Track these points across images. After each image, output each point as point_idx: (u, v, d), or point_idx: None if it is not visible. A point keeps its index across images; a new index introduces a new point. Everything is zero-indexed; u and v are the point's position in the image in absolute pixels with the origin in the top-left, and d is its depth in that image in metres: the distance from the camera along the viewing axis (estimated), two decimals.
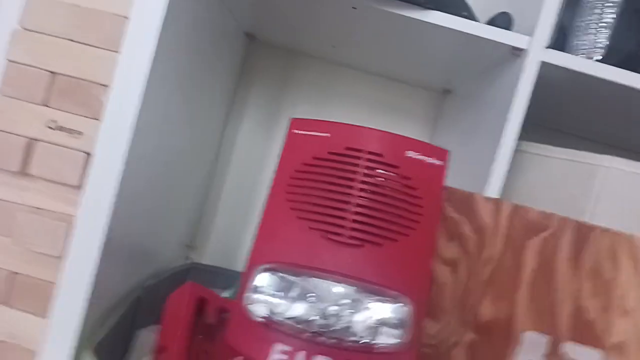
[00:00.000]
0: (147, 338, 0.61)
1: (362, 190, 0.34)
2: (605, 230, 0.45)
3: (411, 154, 0.36)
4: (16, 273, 0.63)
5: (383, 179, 0.35)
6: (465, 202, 0.44)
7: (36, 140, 0.61)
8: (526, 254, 0.44)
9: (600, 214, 0.50)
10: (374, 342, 0.31)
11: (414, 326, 0.32)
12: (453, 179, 0.47)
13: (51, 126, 0.60)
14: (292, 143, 0.36)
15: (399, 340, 0.31)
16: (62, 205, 0.61)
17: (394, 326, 0.31)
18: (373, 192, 0.34)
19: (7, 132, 0.60)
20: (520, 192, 0.55)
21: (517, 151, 0.56)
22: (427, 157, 0.36)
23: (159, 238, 0.69)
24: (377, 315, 0.32)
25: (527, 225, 0.44)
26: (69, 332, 0.49)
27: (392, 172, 0.35)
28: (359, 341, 0.31)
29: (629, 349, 0.43)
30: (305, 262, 0.33)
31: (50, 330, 0.50)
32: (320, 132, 0.36)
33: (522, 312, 0.43)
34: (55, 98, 0.60)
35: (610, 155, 0.52)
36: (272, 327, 0.32)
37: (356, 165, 0.35)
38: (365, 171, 0.34)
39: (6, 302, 0.62)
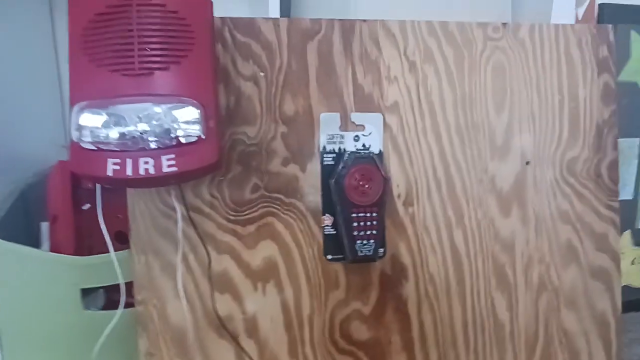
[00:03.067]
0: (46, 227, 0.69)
1: (140, 30, 0.43)
2: (365, 21, 0.57)
3: None
4: None
5: (156, 17, 0.43)
6: (249, 26, 0.54)
7: None
8: (308, 56, 0.56)
9: (361, 11, 0.62)
10: (180, 137, 0.42)
11: (207, 122, 0.43)
12: (241, 9, 0.56)
13: None
14: (74, 8, 0.44)
15: (198, 133, 0.43)
16: None
17: (191, 122, 0.43)
18: (150, 30, 0.43)
19: None
20: (306, 9, 0.66)
21: None
22: None
23: (27, 145, 0.75)
24: (177, 118, 0.42)
25: (303, 33, 0.56)
26: None
27: (162, 10, 0.44)
28: (169, 140, 0.42)
29: (401, 105, 0.58)
30: (113, 95, 0.42)
31: None
32: None
33: (315, 101, 0.56)
34: None
35: None
36: (102, 150, 0.42)
37: (130, 11, 0.43)
38: (139, 14, 0.43)
39: None
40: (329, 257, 0.57)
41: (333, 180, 0.55)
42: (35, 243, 0.69)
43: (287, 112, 0.56)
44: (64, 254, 0.59)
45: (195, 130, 0.43)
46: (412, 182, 0.59)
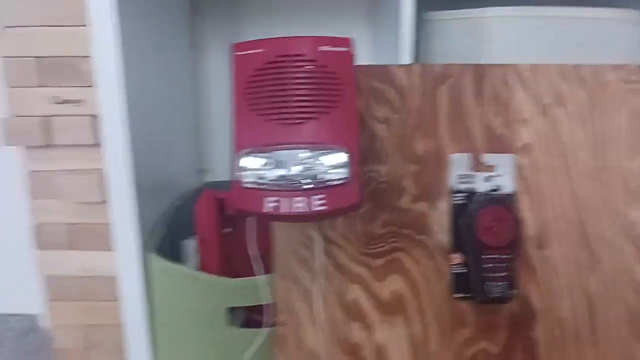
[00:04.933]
0: (190, 245, 0.78)
1: (295, 83, 0.48)
2: (495, 65, 0.58)
3: (323, 47, 0.50)
4: (73, 224, 0.81)
5: (308, 71, 0.49)
6: (384, 73, 0.58)
7: (49, 116, 0.76)
8: (439, 99, 0.58)
9: (492, 55, 0.63)
10: (329, 179, 0.47)
11: (352, 166, 0.48)
12: (377, 58, 0.60)
13: (57, 102, 0.75)
14: (237, 63, 0.50)
15: (344, 176, 0.47)
16: (88, 162, 0.77)
17: (339, 167, 0.47)
18: (304, 83, 0.48)
19: (23, 115, 0.75)
20: (435, 55, 0.68)
21: (426, 21, 0.69)
22: (336, 47, 0.50)
23: (174, 170, 0.85)
24: (327, 162, 0.47)
25: (434, 78, 0.58)
26: (131, 252, 0.66)
27: (313, 65, 0.49)
28: (320, 182, 0.47)
29: (533, 147, 0.59)
30: (271, 142, 0.48)
31: (118, 257, 0.67)
32: (256, 49, 0.50)
33: (445, 142, 0.58)
34: (48, 78, 0.74)
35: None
36: (261, 189, 0.47)
37: (287, 66, 0.49)
38: (294, 69, 0.48)
39: (75, 247, 0.80)
40: (457, 295, 0.58)
41: (464, 221, 0.56)
42: (178, 259, 0.78)
43: (417, 152, 0.59)
44: (210, 273, 0.66)
45: (343, 173, 0.47)
46: (544, 224, 0.59)
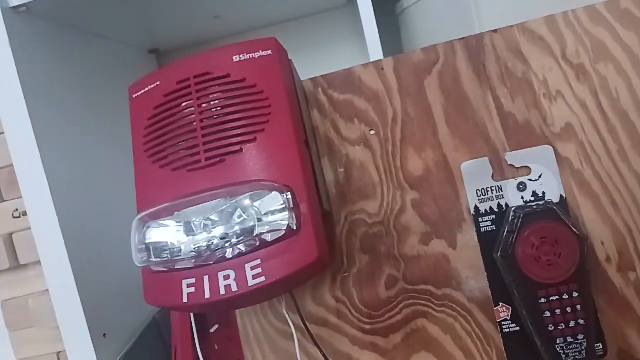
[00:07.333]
0: None
1: (202, 112, 0.34)
2: (496, 31, 0.42)
3: (238, 57, 0.36)
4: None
5: (219, 91, 0.35)
6: (346, 79, 0.43)
7: None
8: (428, 94, 0.42)
9: (486, 22, 0.46)
10: (264, 235, 0.31)
11: (298, 207, 0.32)
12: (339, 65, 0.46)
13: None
14: (135, 107, 0.37)
15: (286, 224, 0.31)
16: None
17: (277, 212, 0.31)
18: (215, 109, 0.34)
19: None
20: (415, 44, 0.53)
21: (403, 10, 0.54)
22: (254, 53, 0.36)
23: None
24: (259, 209, 0.32)
25: (415, 68, 0.42)
26: None
27: (225, 81, 0.35)
28: (252, 242, 0.31)
29: (577, 127, 0.41)
30: (179, 196, 0.33)
31: None
32: (153, 84, 0.37)
33: (450, 149, 0.41)
34: None
35: None
36: (173, 270, 0.32)
37: (189, 93, 0.35)
38: (199, 94, 0.35)
39: None
40: None
41: (499, 254, 0.38)
42: None
43: (413, 172, 0.42)
44: None
45: (282, 221, 0.31)
46: (625, 233, 0.39)
